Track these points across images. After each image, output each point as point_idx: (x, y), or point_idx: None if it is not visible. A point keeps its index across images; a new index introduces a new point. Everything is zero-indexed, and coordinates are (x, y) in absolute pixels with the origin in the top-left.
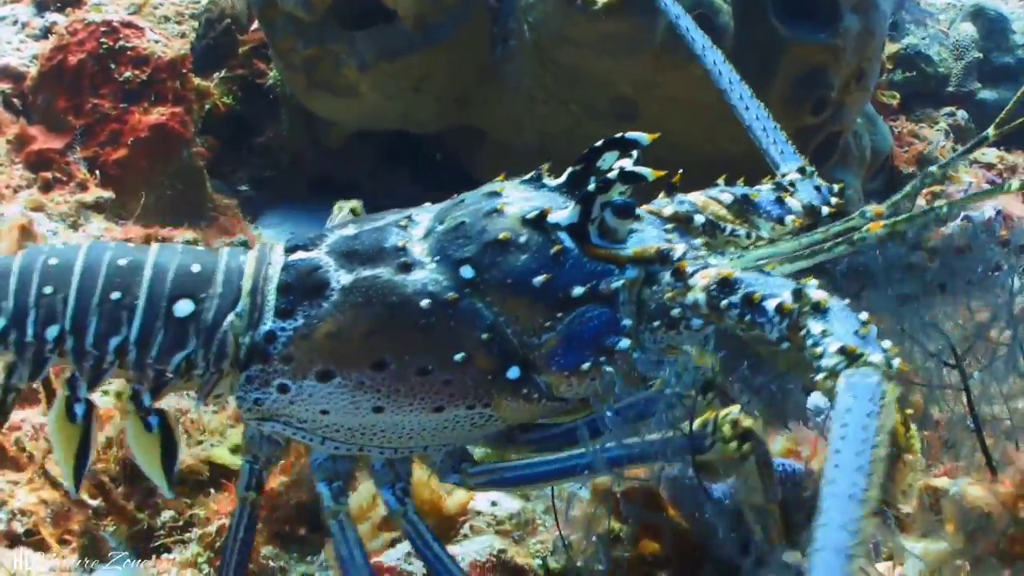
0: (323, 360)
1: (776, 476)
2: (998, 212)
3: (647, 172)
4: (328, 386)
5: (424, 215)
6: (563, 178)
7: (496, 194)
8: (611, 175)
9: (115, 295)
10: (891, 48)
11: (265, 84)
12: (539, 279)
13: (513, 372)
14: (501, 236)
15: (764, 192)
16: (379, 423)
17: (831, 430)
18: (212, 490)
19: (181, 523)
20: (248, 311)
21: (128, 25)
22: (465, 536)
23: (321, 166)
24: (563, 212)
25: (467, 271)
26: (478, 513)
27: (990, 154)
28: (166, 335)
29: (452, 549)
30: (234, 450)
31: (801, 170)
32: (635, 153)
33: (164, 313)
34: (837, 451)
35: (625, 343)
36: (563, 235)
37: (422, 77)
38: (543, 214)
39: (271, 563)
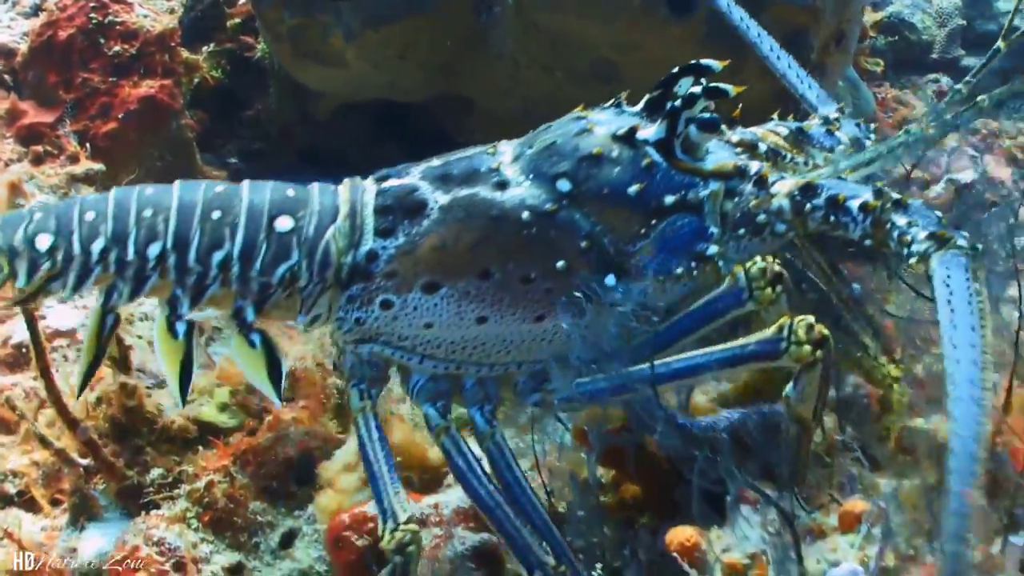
0: (429, 272)
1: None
2: (981, 172)
3: (729, 88)
4: (434, 298)
5: (506, 146)
6: (641, 104)
7: (582, 118)
8: (695, 90)
9: (216, 214)
10: (875, 16)
11: (253, 57)
12: (633, 188)
13: (610, 279)
14: (595, 151)
15: (816, 126)
16: (481, 335)
17: (937, 302)
18: (200, 447)
19: (170, 480)
20: (348, 233)
21: (117, 0)
22: (448, 486)
23: (310, 138)
24: (650, 128)
25: (564, 184)
26: None
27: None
28: (269, 248)
29: (436, 498)
30: (222, 408)
31: (840, 110)
32: (705, 80)
33: (266, 228)
34: (951, 318)
35: (714, 249)
36: (651, 150)
37: (407, 45)
38: (633, 130)
39: (259, 518)
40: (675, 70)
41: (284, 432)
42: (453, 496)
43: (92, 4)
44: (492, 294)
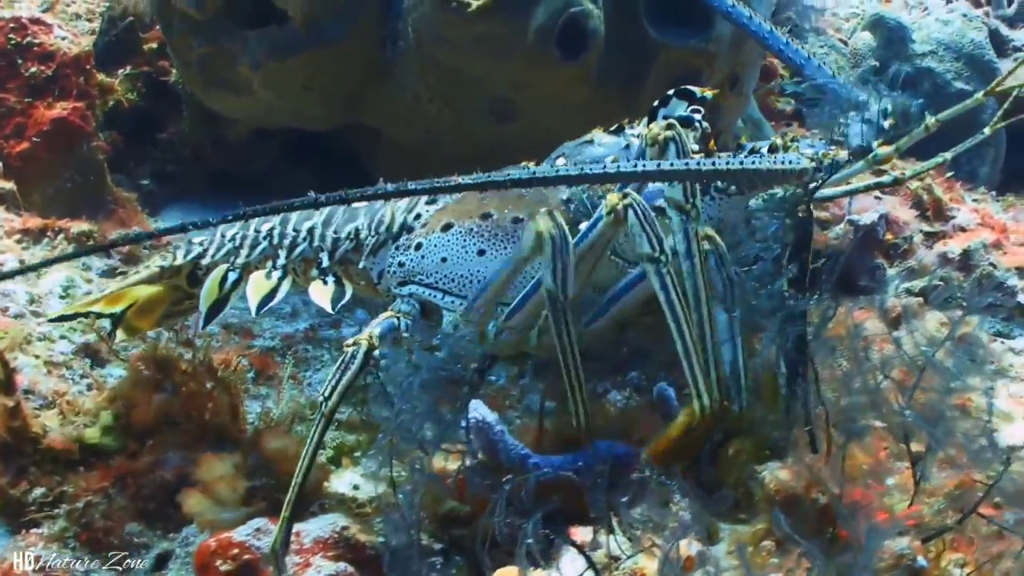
0: (448, 217)
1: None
2: (882, 216)
3: (695, 90)
4: (447, 235)
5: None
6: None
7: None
8: (670, 92)
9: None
10: None
11: (169, 81)
12: (609, 159)
13: (583, 226)
14: (589, 137)
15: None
16: (481, 268)
17: None
18: (82, 468)
19: (51, 499)
20: (408, 202)
21: (36, 22)
22: (313, 513)
23: (223, 162)
24: (636, 128)
25: (560, 159)
26: (341, 495)
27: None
28: (344, 215)
29: (298, 526)
30: (105, 431)
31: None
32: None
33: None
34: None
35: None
36: (633, 139)
37: (311, 76)
38: (621, 125)
39: (135, 539)
40: (669, 92)
41: (163, 456)
42: (315, 525)
43: (12, 25)
44: (489, 231)
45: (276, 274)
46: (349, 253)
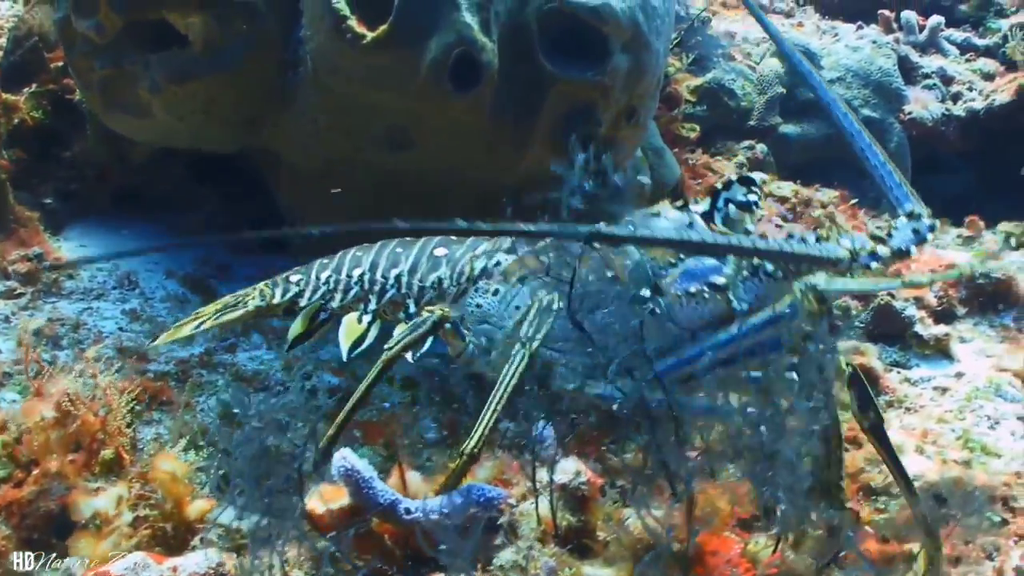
0: (524, 270)
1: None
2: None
3: (756, 177)
4: (524, 288)
5: None
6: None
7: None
8: (733, 178)
9: (398, 249)
10: (695, 81)
11: (75, 99)
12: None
13: (645, 292)
14: (655, 210)
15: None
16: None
17: None
18: None
19: None
20: (487, 250)
21: None
22: (194, 547)
23: (127, 180)
24: (700, 205)
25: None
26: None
27: (785, 187)
28: (427, 264)
29: (175, 561)
30: None
31: (910, 213)
32: (756, 180)
33: (427, 254)
34: None
35: (722, 280)
36: (696, 216)
37: (210, 100)
38: (686, 202)
39: (18, 570)
40: (733, 177)
41: (47, 486)
42: (191, 560)
43: None
44: (563, 288)
45: (367, 318)
46: (433, 300)
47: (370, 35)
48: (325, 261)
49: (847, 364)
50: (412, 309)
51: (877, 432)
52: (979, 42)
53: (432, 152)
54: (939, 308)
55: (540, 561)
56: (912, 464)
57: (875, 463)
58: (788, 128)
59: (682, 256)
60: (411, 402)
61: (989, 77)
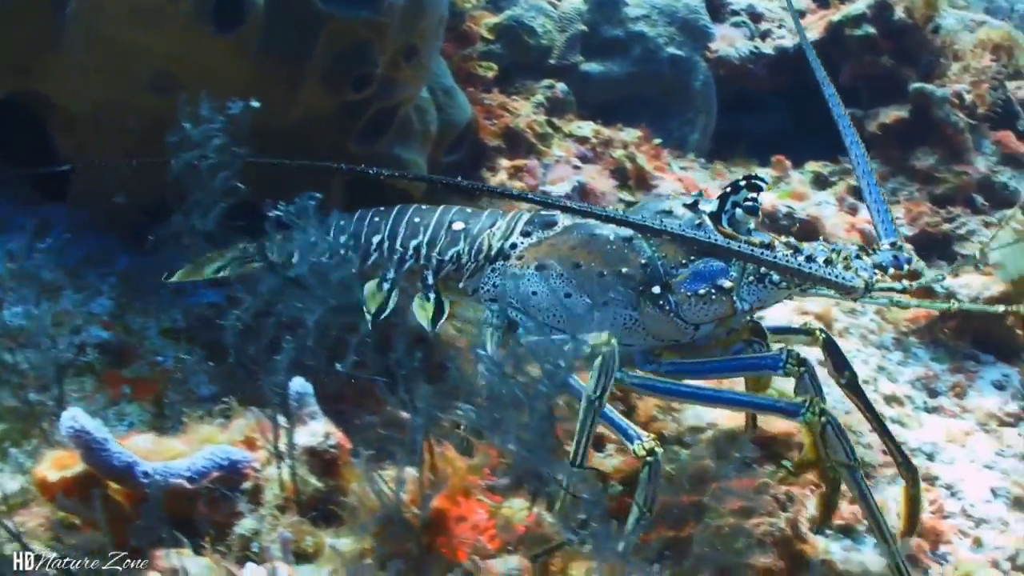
0: (542, 258)
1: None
2: (576, 187)
3: (762, 183)
4: (540, 275)
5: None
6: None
7: (670, 197)
8: (741, 182)
9: (416, 219)
10: (493, 19)
11: None
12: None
13: (656, 288)
14: (666, 207)
15: (852, 247)
16: (566, 307)
17: None
18: None
19: None
20: (503, 231)
21: None
22: None
23: None
24: (709, 205)
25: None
26: None
27: (586, 127)
28: (446, 239)
29: None
30: None
31: (892, 243)
32: (762, 185)
33: (446, 227)
34: None
35: (729, 284)
36: (706, 217)
37: None
38: (696, 201)
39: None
40: (740, 180)
41: None
42: None
43: None
44: (577, 279)
45: (386, 285)
46: (451, 273)
47: None
48: (342, 224)
49: (820, 330)
50: (430, 280)
51: (854, 388)
52: None
53: (198, 95)
54: None
55: (276, 532)
56: (705, 413)
57: (666, 412)
58: (590, 66)
59: (692, 257)
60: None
61: (800, 14)
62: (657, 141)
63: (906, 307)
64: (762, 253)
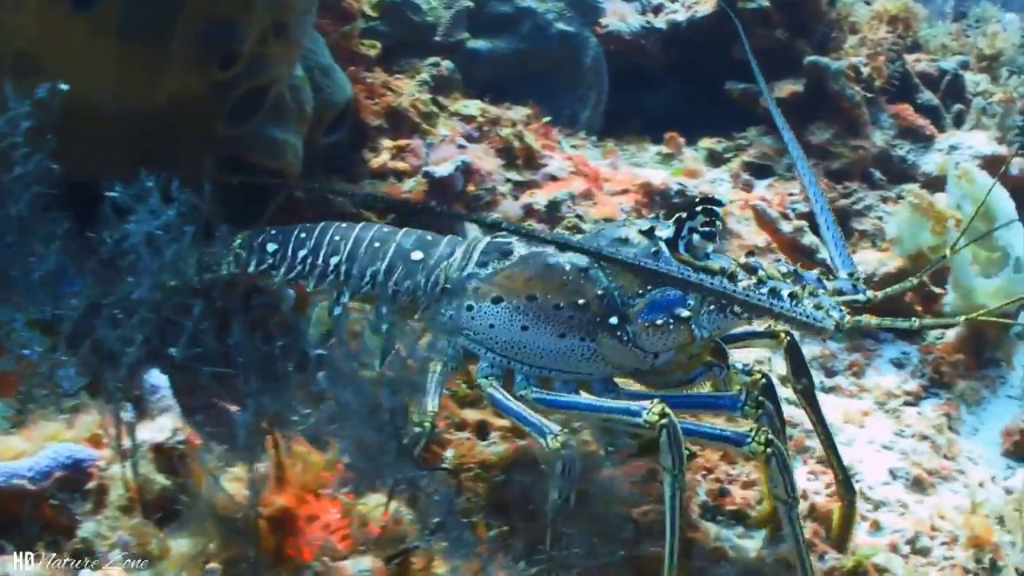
0: (497, 290)
1: None
2: (459, 167)
3: (718, 210)
4: (497, 307)
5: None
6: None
7: (626, 221)
8: (697, 208)
9: (376, 244)
10: None
11: None
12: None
13: (613, 319)
14: (622, 235)
15: (811, 273)
16: (523, 340)
17: None
18: None
19: None
20: (460, 261)
21: None
22: None
23: None
24: (666, 230)
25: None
26: None
27: (472, 106)
28: (403, 269)
29: None
30: None
31: (850, 274)
32: (718, 211)
33: (404, 256)
34: None
35: (687, 313)
36: (662, 243)
37: None
38: (652, 228)
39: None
40: (696, 204)
41: None
42: None
43: None
44: (533, 311)
45: (337, 310)
46: (406, 304)
47: None
48: (303, 236)
49: (785, 333)
50: (383, 310)
51: (808, 396)
52: None
53: (61, 77)
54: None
55: (115, 535)
56: None
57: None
58: (477, 44)
59: (649, 287)
60: (51, 349)
61: None
62: (547, 119)
63: (869, 328)
64: (722, 283)
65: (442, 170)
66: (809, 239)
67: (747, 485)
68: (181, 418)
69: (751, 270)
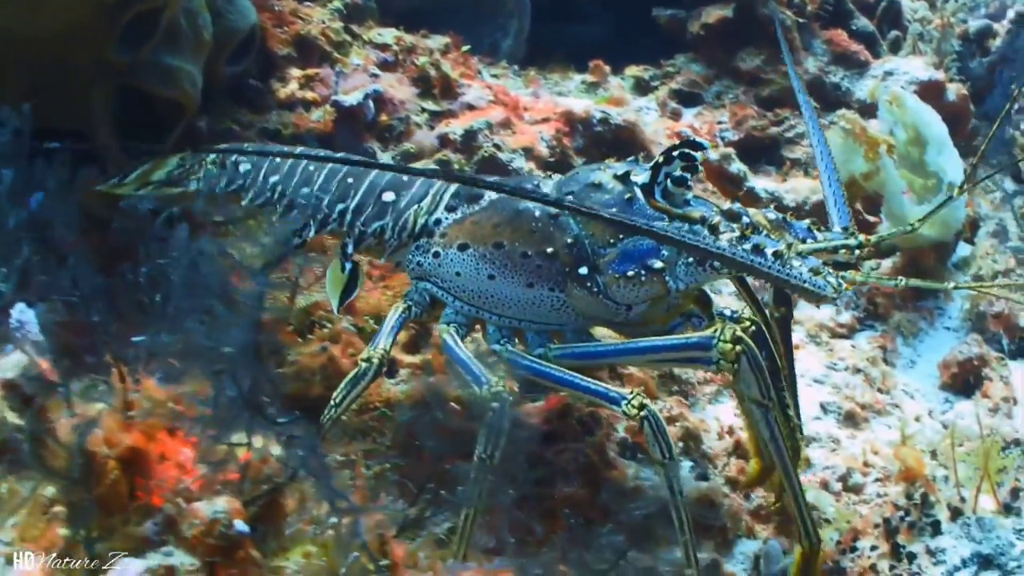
0: (464, 237)
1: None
2: (370, 95)
3: (696, 155)
4: (463, 254)
5: (555, 176)
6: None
7: (604, 164)
8: (673, 152)
9: (349, 179)
10: None
11: None
12: (614, 210)
13: (583, 269)
14: (597, 180)
15: (801, 223)
16: (490, 289)
17: None
18: None
19: None
20: (429, 205)
21: None
22: None
23: None
24: (641, 175)
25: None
26: None
27: (387, 34)
28: (373, 209)
29: None
30: None
31: (844, 228)
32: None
33: (375, 197)
34: None
35: (659, 264)
36: (637, 189)
37: None
38: (628, 173)
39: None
40: (677, 143)
41: None
42: None
43: None
44: (500, 259)
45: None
46: (372, 247)
47: None
48: (277, 162)
49: None
50: (350, 249)
51: (783, 325)
52: None
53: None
54: (552, 160)
55: None
56: None
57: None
58: None
59: (621, 236)
60: None
61: None
62: (466, 48)
63: (860, 282)
64: (703, 235)
65: (351, 99)
66: (736, 167)
67: (670, 420)
68: (45, 355)
69: (735, 217)
